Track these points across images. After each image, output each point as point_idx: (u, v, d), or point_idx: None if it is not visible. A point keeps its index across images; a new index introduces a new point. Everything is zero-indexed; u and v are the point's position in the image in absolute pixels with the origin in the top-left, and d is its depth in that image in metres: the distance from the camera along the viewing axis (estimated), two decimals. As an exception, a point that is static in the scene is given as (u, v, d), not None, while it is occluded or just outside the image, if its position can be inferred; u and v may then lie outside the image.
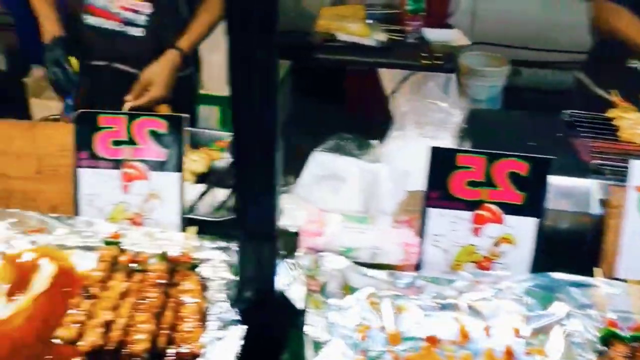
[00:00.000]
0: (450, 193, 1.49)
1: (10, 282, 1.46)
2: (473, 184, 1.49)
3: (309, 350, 1.27)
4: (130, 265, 1.46)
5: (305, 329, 1.31)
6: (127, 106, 2.21)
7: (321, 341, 1.28)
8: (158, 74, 2.26)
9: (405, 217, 1.59)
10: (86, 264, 1.51)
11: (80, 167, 1.65)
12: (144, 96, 2.23)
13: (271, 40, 1.10)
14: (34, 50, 4.78)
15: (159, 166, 1.64)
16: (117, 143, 1.64)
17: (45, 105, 3.37)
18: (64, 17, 2.34)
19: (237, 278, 1.46)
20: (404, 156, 1.84)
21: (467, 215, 1.50)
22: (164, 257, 1.46)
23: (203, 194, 1.88)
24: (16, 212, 1.64)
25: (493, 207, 1.49)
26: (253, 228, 1.29)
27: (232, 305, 1.38)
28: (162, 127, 1.63)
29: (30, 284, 1.46)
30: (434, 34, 3.71)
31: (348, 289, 1.44)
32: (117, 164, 1.65)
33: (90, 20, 2.29)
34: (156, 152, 1.64)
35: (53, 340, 1.31)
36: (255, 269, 1.36)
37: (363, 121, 4.09)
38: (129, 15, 2.27)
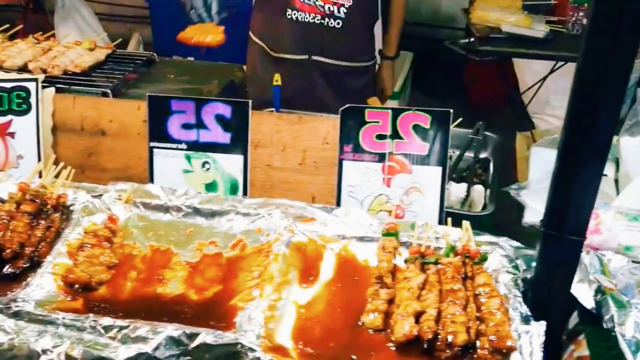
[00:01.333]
0: None
1: (299, 269, 1.52)
2: None
3: (627, 352, 1.27)
4: (417, 257, 1.50)
5: (618, 329, 1.30)
6: None
7: None
8: (384, 79, 2.63)
9: (680, 217, 1.56)
10: (364, 253, 1.56)
11: (343, 159, 1.70)
12: (382, 98, 2.60)
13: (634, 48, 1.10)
14: (168, 42, 4.98)
15: (422, 160, 1.67)
16: (381, 137, 1.68)
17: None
18: (267, 13, 2.45)
19: (519, 273, 1.48)
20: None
21: None
22: (453, 250, 1.49)
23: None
24: (282, 202, 1.69)
25: None
26: (568, 227, 1.30)
27: (524, 300, 1.40)
28: (426, 122, 1.66)
29: (319, 272, 1.52)
30: (599, 25, 3.60)
31: (641, 289, 1.42)
32: (380, 157, 1.69)
33: (294, 14, 2.37)
34: (419, 146, 1.67)
35: (360, 327, 1.36)
36: (554, 267, 1.37)
37: (486, 113, 4.02)
38: (331, 7, 2.35)
